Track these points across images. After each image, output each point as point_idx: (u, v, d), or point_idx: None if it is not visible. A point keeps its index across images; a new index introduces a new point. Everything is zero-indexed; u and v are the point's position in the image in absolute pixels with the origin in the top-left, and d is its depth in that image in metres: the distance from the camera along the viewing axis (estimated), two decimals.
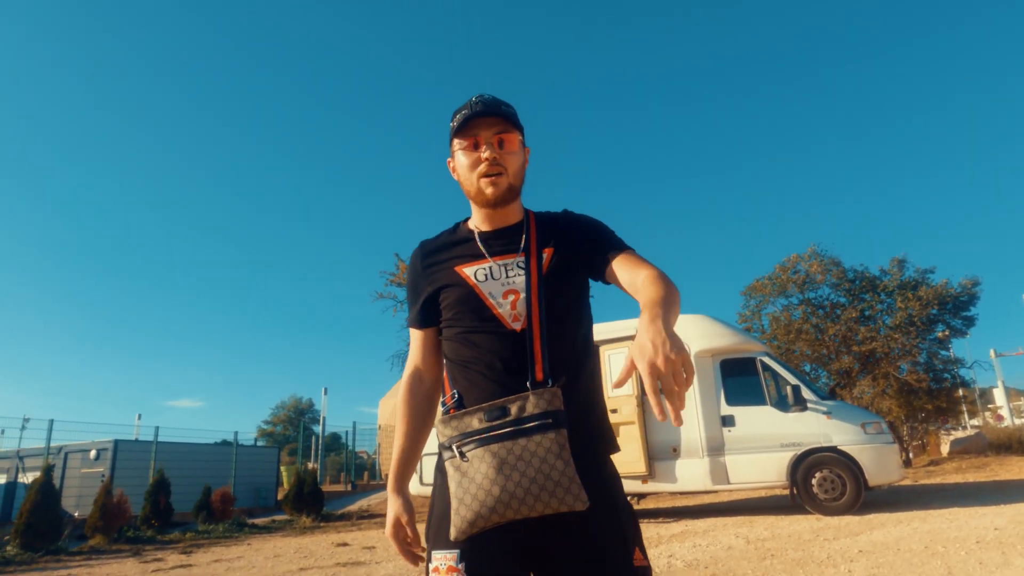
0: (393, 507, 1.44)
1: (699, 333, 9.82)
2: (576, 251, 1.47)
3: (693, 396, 9.43)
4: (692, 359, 8.17)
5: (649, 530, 8.31)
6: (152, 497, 13.61)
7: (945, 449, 20.10)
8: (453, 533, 1.24)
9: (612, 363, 10.02)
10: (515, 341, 1.35)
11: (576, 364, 1.38)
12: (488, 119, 1.43)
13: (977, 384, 39.71)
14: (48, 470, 12.22)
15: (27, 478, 18.82)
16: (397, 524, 1.43)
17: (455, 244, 1.51)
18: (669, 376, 0.99)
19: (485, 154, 1.42)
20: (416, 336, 1.54)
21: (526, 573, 1.28)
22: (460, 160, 1.47)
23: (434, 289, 1.47)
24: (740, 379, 9.53)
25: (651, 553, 6.44)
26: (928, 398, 15.76)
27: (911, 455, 17.34)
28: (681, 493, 9.98)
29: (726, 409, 9.36)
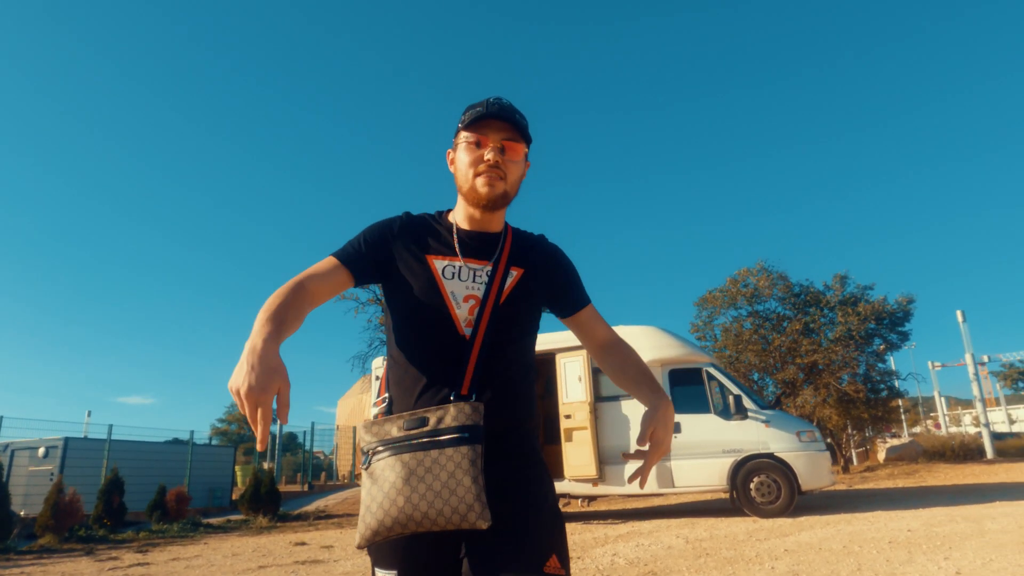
0: (273, 352, 1.16)
1: (650, 344, 10.33)
2: (543, 282, 1.49)
3: None
4: None
5: (597, 531, 8.76)
6: (105, 496, 13.51)
7: (882, 456, 21.20)
8: (357, 540, 1.23)
9: (567, 369, 10.48)
10: (457, 347, 1.34)
11: (510, 382, 1.38)
12: (500, 123, 1.41)
13: (919, 394, 41.54)
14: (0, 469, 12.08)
15: None
16: (279, 375, 1.13)
17: (435, 232, 1.49)
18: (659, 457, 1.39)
19: (488, 155, 1.39)
20: (330, 265, 1.43)
21: None
22: (461, 155, 1.45)
23: (394, 262, 1.45)
24: (687, 388, 10.07)
25: (596, 552, 6.88)
26: (865, 407, 16.67)
27: (852, 461, 18.28)
28: (629, 496, 10.47)
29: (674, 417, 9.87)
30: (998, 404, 45.80)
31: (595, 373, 10.31)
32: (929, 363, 33.08)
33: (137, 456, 17.89)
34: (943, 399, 39.52)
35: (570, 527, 9.30)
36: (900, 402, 29.52)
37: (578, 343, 10.30)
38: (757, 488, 9.26)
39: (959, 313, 22.41)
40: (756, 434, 9.48)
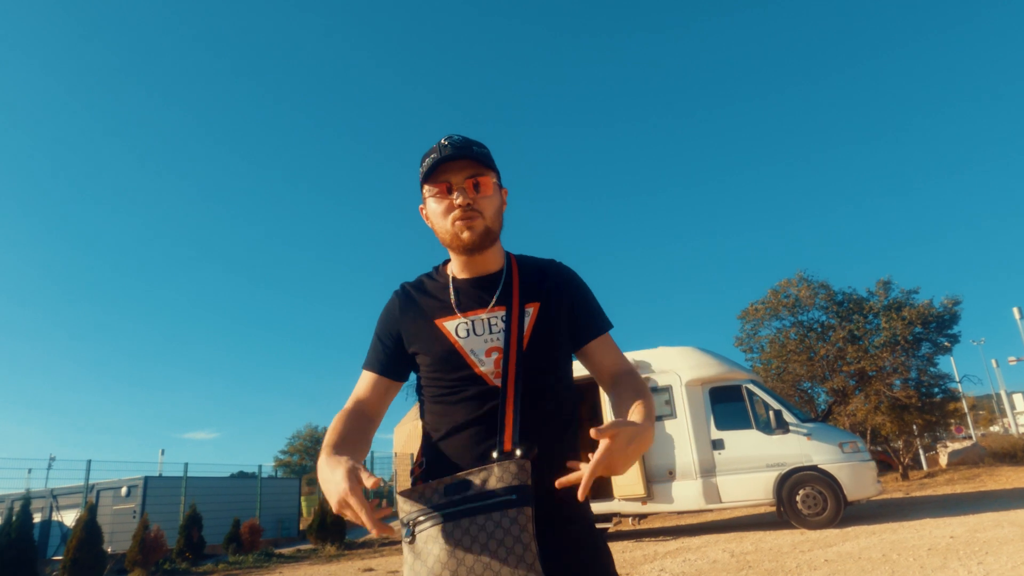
0: (337, 464, 1.15)
1: (689, 364, 10.68)
2: (564, 314, 1.41)
3: (685, 422, 10.28)
4: (684, 389, 9.10)
5: (647, 548, 9.12)
6: (185, 531, 14.48)
7: (944, 461, 20.73)
8: None
9: None
10: (493, 401, 1.29)
11: (554, 431, 1.32)
12: (460, 162, 1.35)
13: (996, 391, 40.08)
14: (92, 508, 13.14)
15: (61, 516, 19.74)
16: (351, 476, 1.12)
17: (435, 292, 1.43)
18: (611, 472, 1.12)
19: (458, 200, 1.34)
20: (368, 379, 1.43)
21: None
22: (432, 207, 1.39)
23: (409, 341, 1.41)
24: (728, 405, 10.37)
25: (644, 568, 7.27)
26: (919, 413, 16.49)
27: (921, 466, 18.02)
28: (679, 512, 10.76)
29: (716, 433, 10.19)
30: None
31: None
32: (993, 361, 32.03)
33: (209, 491, 18.94)
34: (1009, 397, 37.95)
35: (621, 545, 9.69)
36: (963, 403, 28.73)
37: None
38: (803, 500, 9.47)
39: (1016, 310, 21.86)
40: (799, 447, 9.71)
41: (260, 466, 20.68)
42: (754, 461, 9.87)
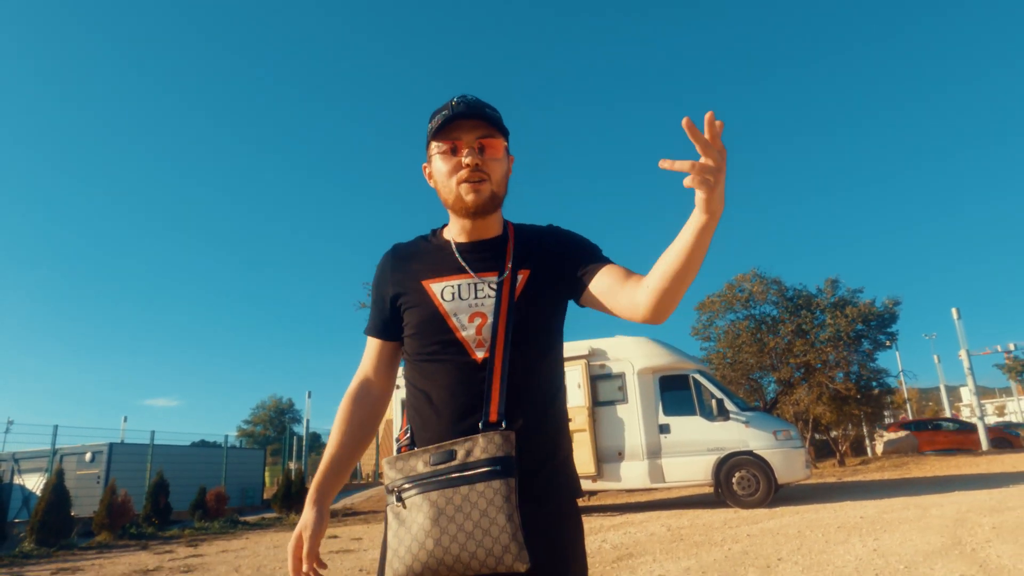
0: (303, 518, 1.31)
1: (642, 354, 11.41)
2: (553, 272, 1.37)
3: (636, 407, 11.02)
4: (636, 377, 9.82)
5: (594, 522, 9.87)
6: (152, 497, 14.85)
7: (880, 449, 22.08)
8: None
9: (568, 378, 11.58)
10: (476, 372, 1.27)
11: (540, 403, 1.31)
12: (471, 122, 1.33)
13: (943, 383, 42.19)
14: (60, 472, 13.41)
15: (22, 480, 19.87)
16: (298, 537, 1.29)
17: (428, 254, 1.42)
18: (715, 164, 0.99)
19: (466, 160, 1.31)
20: (372, 345, 1.45)
21: None
22: (438, 166, 1.36)
23: (398, 300, 1.40)
24: (676, 392, 11.14)
25: (588, 540, 7.99)
26: (856, 404, 17.61)
27: (843, 455, 19.25)
28: (626, 491, 11.56)
29: (663, 418, 10.97)
30: None
31: (593, 380, 11.41)
32: (935, 356, 33.75)
33: (174, 459, 19.26)
34: (956, 390, 40.07)
35: None
36: (905, 393, 30.36)
37: (578, 352, 11.45)
38: (738, 482, 10.32)
39: (954, 311, 23.24)
40: (737, 433, 10.53)
41: (226, 436, 21.02)
42: (696, 445, 10.68)
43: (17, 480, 19.89)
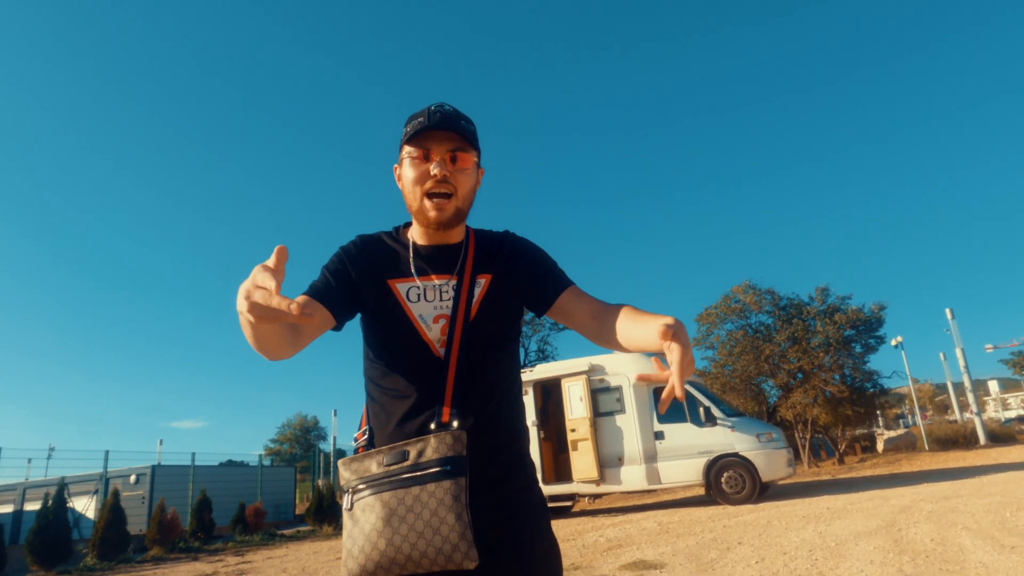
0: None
1: (637, 367, 12.55)
2: (515, 281, 1.40)
3: (633, 417, 12.18)
4: (632, 389, 11.10)
5: (596, 521, 11.02)
6: (197, 513, 16.21)
7: (881, 447, 22.93)
8: None
9: (571, 391, 12.80)
10: (437, 372, 1.29)
11: (493, 400, 1.33)
12: (445, 133, 1.32)
13: (953, 380, 42.63)
14: (116, 494, 14.81)
15: (72, 503, 21.36)
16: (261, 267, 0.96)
17: (391, 254, 1.41)
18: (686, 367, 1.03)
19: (435, 170, 1.31)
20: (310, 301, 1.31)
21: None
22: (407, 171, 1.36)
23: (359, 295, 1.37)
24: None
25: (588, 536, 9.15)
26: (850, 405, 18.58)
27: (842, 453, 20.21)
28: (626, 493, 12.69)
29: (658, 426, 12.12)
30: None
31: (593, 393, 12.60)
32: (941, 354, 34.41)
33: (211, 478, 20.65)
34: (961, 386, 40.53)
35: (577, 520, 11.59)
36: (914, 393, 31.07)
37: (579, 368, 12.67)
38: (727, 482, 11.43)
39: (948, 311, 24.12)
40: (724, 437, 11.65)
41: (260, 456, 22.33)
42: (688, 449, 11.81)
43: (68, 503, 21.40)
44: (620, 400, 12.41)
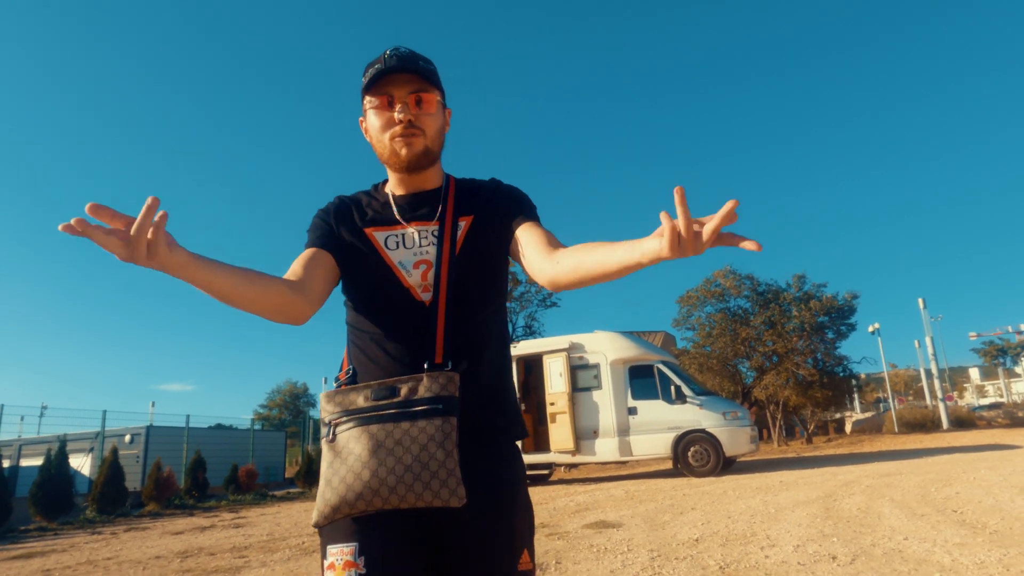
0: None
1: (614, 347, 13.30)
2: (496, 223, 1.38)
3: (609, 393, 12.94)
4: (609, 367, 11.91)
5: (571, 488, 11.82)
6: (192, 473, 16.95)
7: (848, 428, 23.95)
8: (315, 517, 1.16)
9: (551, 367, 13.52)
10: (422, 315, 1.28)
11: (482, 345, 1.32)
12: (404, 75, 1.31)
13: (926, 366, 43.76)
14: (114, 451, 15.50)
15: (73, 460, 22.11)
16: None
17: (368, 206, 1.41)
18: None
19: (399, 115, 1.30)
20: (305, 254, 1.35)
21: (424, 566, 1.20)
22: (372, 120, 1.34)
23: (340, 244, 1.37)
24: (642, 380, 13.05)
25: (559, 500, 9.92)
26: (819, 388, 19.47)
27: (811, 433, 21.18)
28: (599, 463, 13.50)
29: (631, 402, 12.88)
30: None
31: (572, 370, 13.32)
32: (916, 342, 35.45)
33: (203, 440, 21.39)
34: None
35: (552, 488, 12.39)
36: (887, 379, 32.14)
37: (560, 346, 13.39)
38: (693, 456, 12.24)
39: (920, 301, 25.01)
40: (692, 414, 12.44)
41: (251, 420, 23.05)
42: (659, 424, 12.60)
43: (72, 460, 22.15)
44: (597, 377, 13.15)
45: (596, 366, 13.22)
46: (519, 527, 1.28)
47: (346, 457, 1.15)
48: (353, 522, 1.17)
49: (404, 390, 1.19)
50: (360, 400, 1.20)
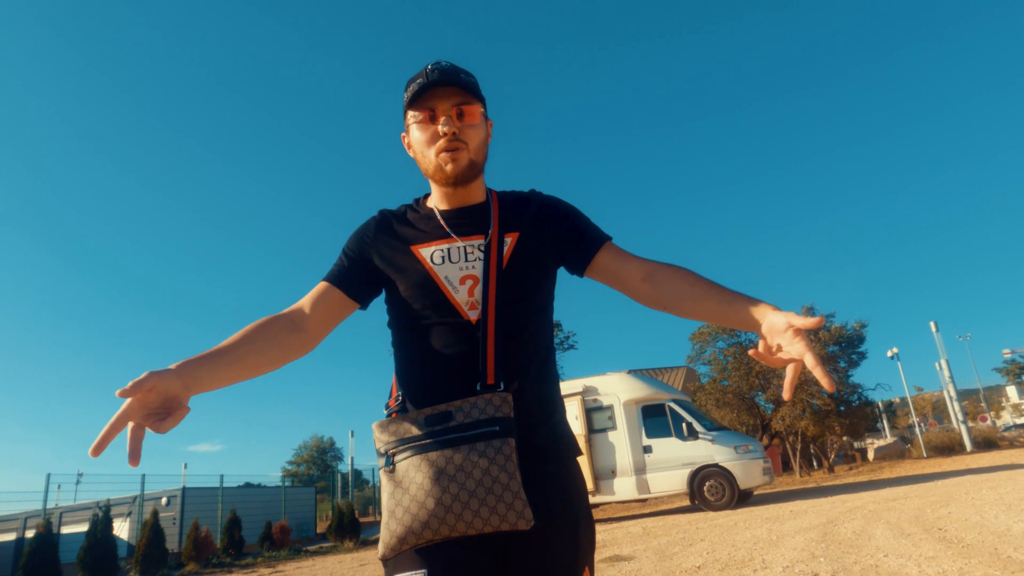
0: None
1: (626, 388, 13.88)
2: (546, 239, 1.39)
3: (624, 432, 13.46)
4: (622, 407, 12.50)
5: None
6: (228, 531, 17.55)
7: (871, 455, 23.96)
8: (381, 550, 1.16)
9: (567, 412, 14.11)
10: (470, 334, 1.28)
11: (534, 364, 1.32)
12: (446, 89, 1.31)
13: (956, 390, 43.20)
14: (155, 514, 16.19)
15: (115, 526, 22.82)
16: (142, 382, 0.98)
17: (414, 221, 1.41)
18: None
19: (443, 128, 1.30)
20: (318, 288, 1.38)
21: None
22: (415, 135, 1.35)
23: (382, 266, 1.38)
24: (655, 419, 13.57)
25: None
26: (836, 417, 19.72)
27: (832, 463, 21.30)
28: (619, 502, 13.93)
29: (646, 441, 13.39)
30: None
31: (587, 412, 13.89)
32: (936, 364, 35.37)
33: (236, 499, 22.00)
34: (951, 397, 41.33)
35: None
36: (911, 405, 32.00)
37: (574, 390, 14.02)
38: (709, 490, 12.66)
39: (932, 324, 25.18)
40: (705, 450, 12.90)
41: (282, 476, 23.65)
42: (674, 461, 13.07)
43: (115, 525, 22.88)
44: (612, 418, 13.70)
45: (610, 407, 13.78)
46: (582, 545, 1.27)
47: (408, 486, 1.15)
48: (417, 551, 1.15)
49: (458, 414, 1.18)
50: (414, 428, 1.19)
